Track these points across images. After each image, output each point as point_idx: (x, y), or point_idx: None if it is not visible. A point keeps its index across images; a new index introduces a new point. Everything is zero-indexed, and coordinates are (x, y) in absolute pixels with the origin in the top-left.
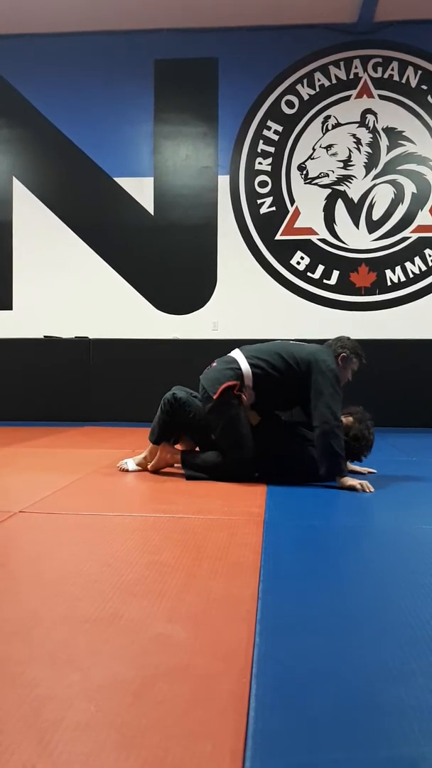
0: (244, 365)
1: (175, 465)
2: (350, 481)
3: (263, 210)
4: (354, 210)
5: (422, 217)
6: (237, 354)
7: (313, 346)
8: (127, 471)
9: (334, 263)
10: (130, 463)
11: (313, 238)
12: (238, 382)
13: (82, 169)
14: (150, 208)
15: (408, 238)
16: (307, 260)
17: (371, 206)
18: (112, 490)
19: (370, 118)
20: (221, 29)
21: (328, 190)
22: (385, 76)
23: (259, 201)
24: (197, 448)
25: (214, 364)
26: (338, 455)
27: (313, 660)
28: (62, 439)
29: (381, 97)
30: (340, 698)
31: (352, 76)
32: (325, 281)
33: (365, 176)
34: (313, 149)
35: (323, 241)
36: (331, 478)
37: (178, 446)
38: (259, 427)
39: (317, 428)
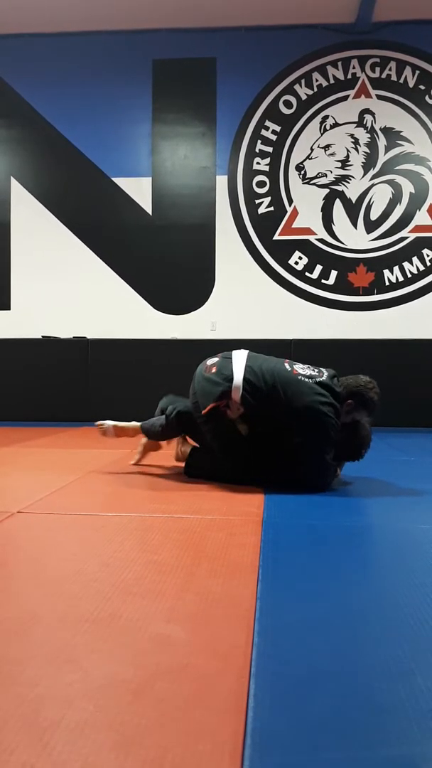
0: (237, 379)
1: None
2: None
3: (261, 210)
4: (352, 210)
5: (420, 217)
6: (238, 362)
7: (317, 388)
8: (104, 434)
9: (332, 263)
10: (109, 431)
11: (312, 238)
12: (224, 401)
13: (80, 169)
14: (148, 208)
15: (406, 238)
16: (305, 260)
17: (369, 206)
18: (111, 490)
19: (368, 118)
20: (219, 29)
21: (326, 190)
22: (383, 76)
23: (257, 201)
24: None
25: (214, 369)
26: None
27: (312, 659)
28: (61, 439)
29: (379, 97)
30: (339, 697)
31: (350, 76)
32: (323, 281)
33: (363, 176)
34: (311, 149)
35: (321, 241)
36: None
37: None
38: (250, 436)
39: (308, 484)
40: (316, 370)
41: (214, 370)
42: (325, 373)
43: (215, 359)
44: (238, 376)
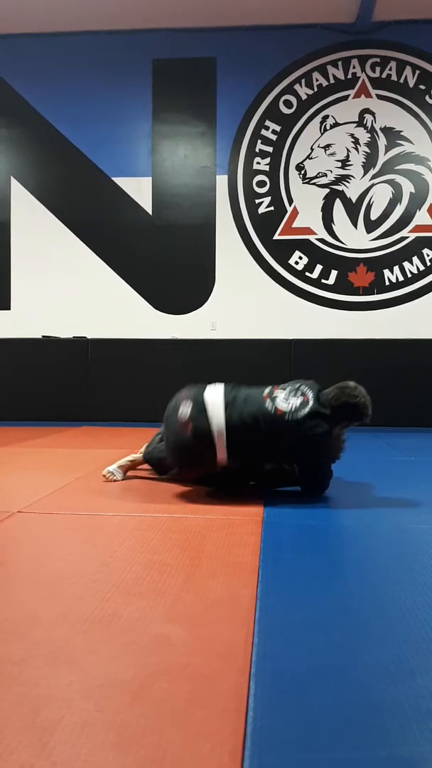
0: (221, 442)
1: None
2: None
3: (261, 210)
4: (352, 210)
5: (420, 217)
6: (216, 413)
7: (306, 422)
8: (116, 480)
9: (332, 263)
10: (118, 473)
11: (312, 237)
12: (200, 468)
13: (80, 168)
14: (148, 207)
15: (406, 237)
16: (305, 260)
17: (369, 206)
18: (111, 490)
19: (369, 117)
20: (219, 29)
21: (327, 190)
22: (383, 75)
23: (257, 201)
24: None
25: (190, 427)
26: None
27: (312, 659)
28: (60, 438)
29: (379, 96)
30: (338, 697)
31: (350, 76)
32: (323, 281)
33: (363, 176)
34: (312, 149)
35: (321, 240)
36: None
37: None
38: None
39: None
40: (299, 397)
41: (190, 428)
42: (310, 396)
43: (188, 409)
44: (221, 436)
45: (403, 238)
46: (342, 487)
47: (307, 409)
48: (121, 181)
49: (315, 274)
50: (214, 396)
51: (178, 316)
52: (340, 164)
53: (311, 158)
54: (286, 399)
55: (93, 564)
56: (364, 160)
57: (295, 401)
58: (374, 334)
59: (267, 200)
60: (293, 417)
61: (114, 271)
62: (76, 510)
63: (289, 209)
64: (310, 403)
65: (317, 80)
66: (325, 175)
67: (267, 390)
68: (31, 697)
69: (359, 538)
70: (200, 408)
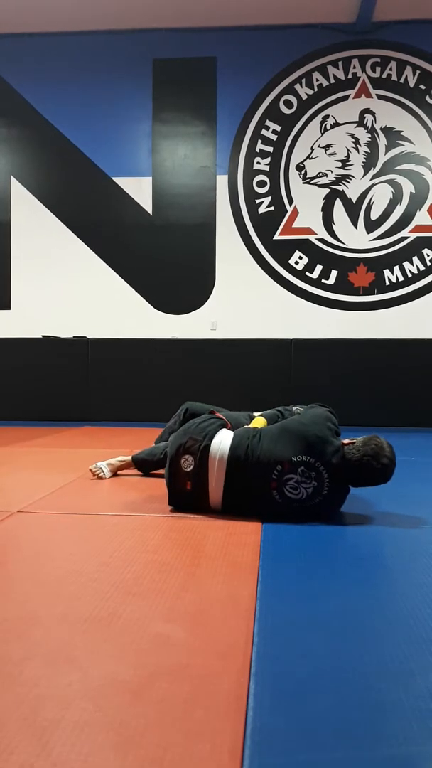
0: (216, 493)
1: None
2: None
3: (261, 210)
4: (352, 210)
5: (420, 217)
6: (217, 472)
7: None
8: (102, 478)
9: (332, 263)
10: (105, 470)
11: (312, 237)
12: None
13: (80, 168)
14: (148, 207)
15: (406, 237)
16: (305, 260)
17: (369, 206)
18: (111, 490)
19: (369, 117)
20: (220, 29)
21: (327, 190)
22: (384, 75)
23: (257, 201)
24: None
25: (189, 486)
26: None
27: (312, 659)
28: (61, 438)
29: (379, 96)
30: (338, 697)
31: (350, 76)
32: (323, 281)
33: (363, 176)
34: (312, 149)
35: (321, 240)
36: None
37: None
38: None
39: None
40: (312, 480)
41: (189, 486)
42: (325, 476)
43: (190, 464)
44: (217, 501)
45: (403, 238)
46: None
47: (323, 494)
48: (121, 181)
49: (315, 274)
50: (220, 454)
51: (178, 316)
52: (340, 164)
53: (311, 158)
54: (296, 487)
55: (93, 564)
56: (365, 160)
57: (307, 488)
58: (374, 334)
59: (267, 200)
60: (305, 504)
61: (114, 271)
62: (76, 510)
63: (289, 209)
64: (325, 490)
65: (317, 80)
66: (326, 175)
67: (278, 470)
68: (31, 697)
69: (359, 538)
70: (202, 464)
